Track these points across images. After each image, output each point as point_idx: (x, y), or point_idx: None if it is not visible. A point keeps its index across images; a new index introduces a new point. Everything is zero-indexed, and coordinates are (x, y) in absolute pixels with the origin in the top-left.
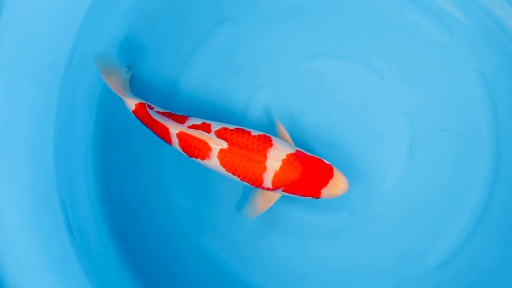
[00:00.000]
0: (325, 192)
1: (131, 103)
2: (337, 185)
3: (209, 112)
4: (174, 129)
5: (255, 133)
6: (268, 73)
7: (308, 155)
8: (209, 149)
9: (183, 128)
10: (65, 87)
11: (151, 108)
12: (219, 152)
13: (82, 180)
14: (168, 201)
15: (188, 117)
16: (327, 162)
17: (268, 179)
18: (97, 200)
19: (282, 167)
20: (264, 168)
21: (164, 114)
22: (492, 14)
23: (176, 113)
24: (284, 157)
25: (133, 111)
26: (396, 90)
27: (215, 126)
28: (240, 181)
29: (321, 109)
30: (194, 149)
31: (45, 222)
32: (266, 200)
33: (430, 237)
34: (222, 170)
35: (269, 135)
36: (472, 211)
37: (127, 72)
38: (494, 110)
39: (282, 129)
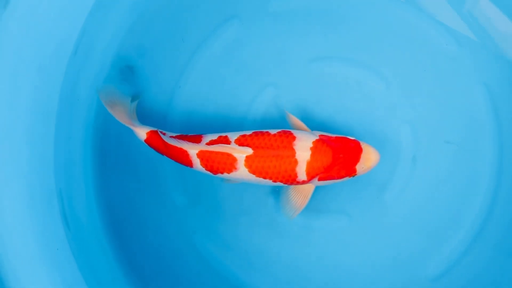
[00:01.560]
0: (360, 167)
1: (142, 132)
2: (370, 157)
3: (212, 109)
4: (193, 150)
5: (273, 131)
6: (274, 73)
7: (332, 136)
8: (234, 160)
9: (202, 146)
10: (69, 75)
11: (163, 134)
12: (245, 160)
13: (80, 171)
14: (166, 197)
15: (203, 135)
16: (352, 138)
17: (301, 171)
18: (94, 192)
19: (312, 155)
20: (296, 162)
21: (177, 138)
22: (500, 29)
23: (189, 134)
24: (311, 145)
25: (145, 141)
26: (401, 99)
27: (233, 136)
28: (273, 183)
29: (325, 113)
30: (218, 164)
31: (41, 211)
32: (302, 194)
33: (427, 248)
34: (251, 178)
35: (288, 129)
36: (471, 224)
37: (132, 101)
38: (499, 125)
39: (295, 119)
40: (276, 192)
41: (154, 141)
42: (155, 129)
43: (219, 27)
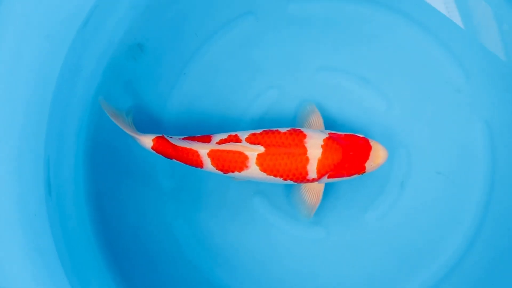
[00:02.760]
0: (369, 164)
1: (147, 140)
2: (379, 155)
3: (212, 101)
4: (203, 149)
5: (283, 130)
6: (280, 76)
7: (342, 134)
8: (246, 158)
9: (212, 146)
10: (75, 46)
11: (170, 138)
12: (257, 158)
13: (72, 141)
14: (152, 179)
15: (212, 135)
16: (361, 136)
17: (312, 169)
18: (83, 164)
19: (323, 153)
20: (307, 160)
21: (185, 140)
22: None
23: (197, 135)
24: (322, 143)
25: (152, 148)
26: (401, 122)
27: (243, 134)
28: (283, 181)
29: (324, 124)
30: (229, 163)
31: (26, 175)
32: (314, 193)
33: (402, 274)
34: (262, 176)
35: (298, 128)
36: (449, 256)
37: (127, 115)
38: (493, 165)
39: (318, 115)
40: (262, 193)
41: (161, 146)
42: (160, 135)
43: (234, 20)
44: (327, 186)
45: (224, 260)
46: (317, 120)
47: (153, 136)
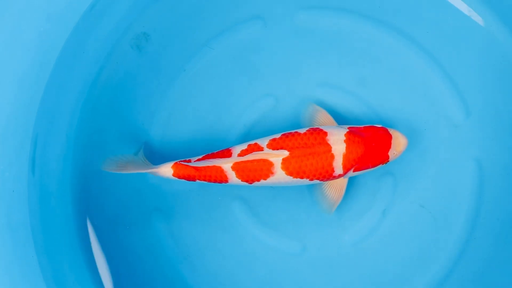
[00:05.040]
0: (392, 153)
1: (166, 169)
2: (400, 142)
3: (207, 101)
4: (227, 164)
5: (302, 130)
6: (278, 85)
7: (361, 127)
8: (271, 165)
9: (235, 159)
10: (79, 29)
11: (189, 161)
12: (282, 163)
13: (64, 123)
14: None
15: (231, 148)
16: (379, 126)
17: (338, 165)
18: (73, 145)
19: (347, 148)
20: (332, 157)
21: (204, 158)
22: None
23: (214, 152)
24: (344, 138)
25: (172, 175)
26: None
27: (263, 141)
28: (309, 182)
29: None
30: (255, 172)
31: (9, 150)
32: (337, 188)
33: None
34: (288, 180)
35: (315, 127)
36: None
37: (137, 154)
38: (477, 206)
39: (325, 113)
40: (242, 199)
41: (182, 171)
42: (176, 161)
43: (242, 23)
44: (311, 205)
45: (193, 259)
46: (325, 117)
47: (170, 164)
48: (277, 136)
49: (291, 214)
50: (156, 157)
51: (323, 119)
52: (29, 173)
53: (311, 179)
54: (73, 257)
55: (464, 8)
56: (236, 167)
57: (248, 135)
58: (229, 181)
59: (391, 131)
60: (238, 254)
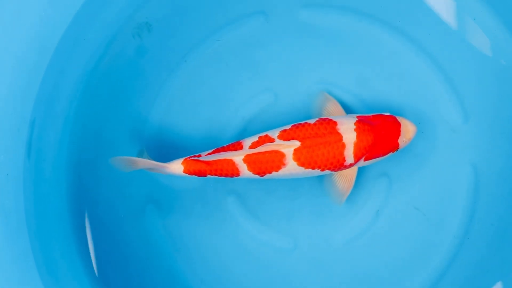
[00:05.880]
0: (401, 140)
1: (176, 166)
2: (409, 129)
3: (206, 93)
4: (238, 157)
5: (312, 121)
6: (278, 81)
7: (369, 115)
8: (283, 156)
9: (247, 151)
10: (81, 15)
11: (199, 156)
12: (293, 154)
13: (62, 108)
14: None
15: (241, 141)
16: (387, 114)
17: (349, 154)
18: (70, 132)
19: (358, 136)
20: (343, 146)
21: (214, 152)
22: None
23: (224, 145)
24: (354, 126)
25: (183, 172)
26: None
27: (274, 133)
28: (321, 172)
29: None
30: (266, 164)
31: (5, 133)
32: (346, 178)
33: None
34: (299, 171)
35: (324, 117)
36: None
37: (141, 154)
38: (472, 211)
39: (334, 102)
40: (236, 193)
41: (193, 167)
42: (183, 157)
43: (244, 17)
44: (305, 202)
45: (187, 252)
46: (335, 106)
47: (180, 161)
48: (288, 127)
49: (284, 210)
50: (153, 147)
51: (333, 108)
52: (25, 158)
53: (323, 169)
54: (66, 244)
55: (467, 13)
56: (247, 159)
57: (246, 129)
58: (241, 174)
59: (399, 118)
60: (231, 247)
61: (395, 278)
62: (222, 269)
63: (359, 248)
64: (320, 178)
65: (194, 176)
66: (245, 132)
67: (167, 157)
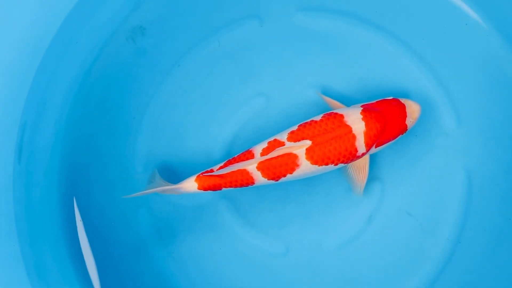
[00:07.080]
0: (409, 121)
1: (189, 184)
2: (414, 109)
3: (199, 97)
4: (251, 165)
5: (317, 117)
6: (270, 85)
7: (373, 102)
8: (295, 157)
9: (259, 159)
10: (73, 17)
11: (211, 171)
12: (306, 153)
13: (54, 111)
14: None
15: (252, 149)
16: (390, 98)
17: (360, 144)
18: (63, 135)
19: (367, 125)
20: (354, 137)
21: (226, 165)
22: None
23: (235, 156)
24: (361, 116)
25: (198, 189)
26: (382, 156)
27: (282, 136)
28: (334, 167)
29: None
30: (280, 168)
31: None
32: (360, 169)
33: None
34: (314, 169)
35: (329, 111)
36: None
37: (153, 178)
38: (465, 216)
39: (330, 100)
40: (228, 198)
41: (206, 182)
42: (198, 173)
43: (238, 20)
44: (297, 207)
45: (179, 256)
46: (332, 102)
47: (193, 178)
48: (295, 127)
49: (276, 214)
50: (146, 151)
51: (331, 104)
52: (15, 161)
53: (336, 164)
54: (56, 248)
55: (462, 17)
56: (261, 166)
57: (239, 133)
58: (256, 182)
59: (403, 100)
60: (223, 252)
61: (387, 283)
62: (215, 273)
63: (351, 253)
64: (310, 182)
65: (209, 191)
66: (239, 136)
67: (162, 161)
